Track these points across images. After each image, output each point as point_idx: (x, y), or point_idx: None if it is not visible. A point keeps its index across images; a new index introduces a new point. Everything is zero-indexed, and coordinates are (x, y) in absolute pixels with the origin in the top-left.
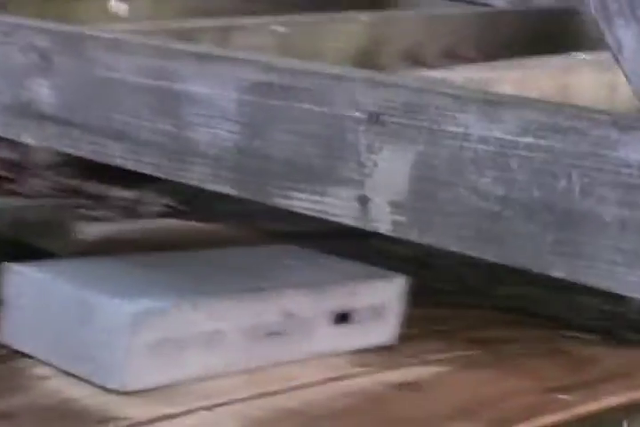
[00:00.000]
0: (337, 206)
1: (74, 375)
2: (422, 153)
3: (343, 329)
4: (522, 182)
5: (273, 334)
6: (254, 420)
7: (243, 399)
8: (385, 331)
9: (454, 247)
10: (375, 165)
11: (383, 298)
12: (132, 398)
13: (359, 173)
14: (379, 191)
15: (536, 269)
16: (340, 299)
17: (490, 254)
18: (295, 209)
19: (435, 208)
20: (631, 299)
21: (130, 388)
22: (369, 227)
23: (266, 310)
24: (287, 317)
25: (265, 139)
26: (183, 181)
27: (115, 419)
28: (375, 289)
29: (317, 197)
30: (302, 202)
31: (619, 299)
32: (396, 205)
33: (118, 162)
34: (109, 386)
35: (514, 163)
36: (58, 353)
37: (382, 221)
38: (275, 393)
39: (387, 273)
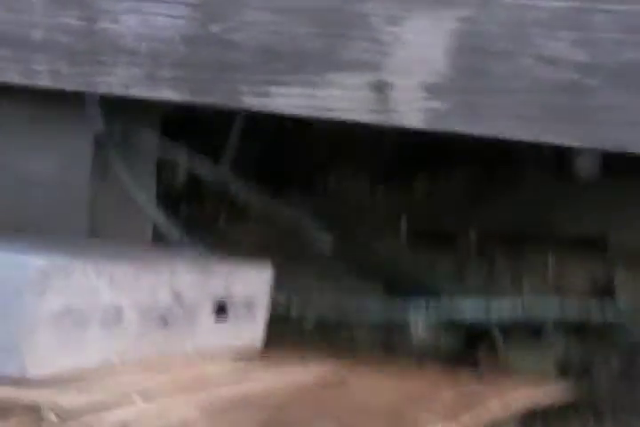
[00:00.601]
0: (340, 99)
1: None
2: (467, 19)
3: (221, 323)
4: (609, 43)
5: (163, 319)
6: (212, 407)
7: (172, 392)
8: (255, 329)
9: (519, 133)
10: (397, 40)
11: (255, 289)
12: (37, 387)
13: (374, 53)
14: (403, 73)
15: (635, 149)
16: (221, 283)
17: (568, 137)
18: (276, 110)
19: (487, 87)
20: None
21: (31, 374)
22: (389, 121)
23: (159, 285)
24: (176, 298)
25: (227, 21)
26: (96, 90)
27: (40, 407)
28: (249, 278)
29: (310, 90)
30: (288, 99)
31: None
32: (430, 89)
33: None
34: (3, 371)
35: (599, 19)
36: None
37: (410, 112)
38: (197, 389)
39: (255, 262)
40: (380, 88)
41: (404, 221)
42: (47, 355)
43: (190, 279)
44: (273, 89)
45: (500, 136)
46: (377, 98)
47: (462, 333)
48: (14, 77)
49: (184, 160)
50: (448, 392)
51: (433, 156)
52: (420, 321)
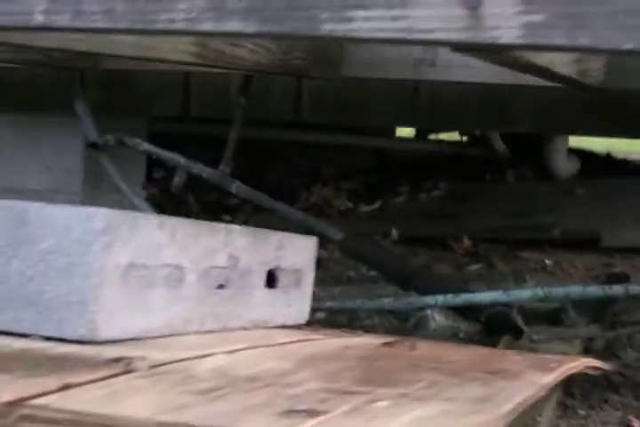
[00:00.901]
0: (429, 18)
1: None
2: None
3: (271, 291)
4: None
5: (220, 282)
6: (300, 359)
7: (249, 348)
8: (303, 299)
9: (624, 43)
10: None
11: (302, 259)
12: (115, 345)
13: None
14: None
15: None
16: (272, 251)
17: None
18: (360, 35)
19: None
20: None
21: (100, 331)
22: (482, 39)
23: (217, 247)
24: (232, 261)
25: None
26: (154, 27)
27: (127, 358)
28: (297, 248)
29: (397, 12)
30: (372, 23)
31: None
32: (526, 2)
33: (39, 21)
34: (70, 334)
35: None
36: None
37: (505, 28)
38: (271, 346)
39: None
40: (472, 4)
41: (393, 227)
42: (114, 311)
43: (245, 244)
44: (356, 13)
45: (605, 46)
46: (469, 15)
47: (481, 322)
48: (64, 20)
49: (183, 164)
50: (513, 355)
51: (415, 169)
52: (437, 308)
